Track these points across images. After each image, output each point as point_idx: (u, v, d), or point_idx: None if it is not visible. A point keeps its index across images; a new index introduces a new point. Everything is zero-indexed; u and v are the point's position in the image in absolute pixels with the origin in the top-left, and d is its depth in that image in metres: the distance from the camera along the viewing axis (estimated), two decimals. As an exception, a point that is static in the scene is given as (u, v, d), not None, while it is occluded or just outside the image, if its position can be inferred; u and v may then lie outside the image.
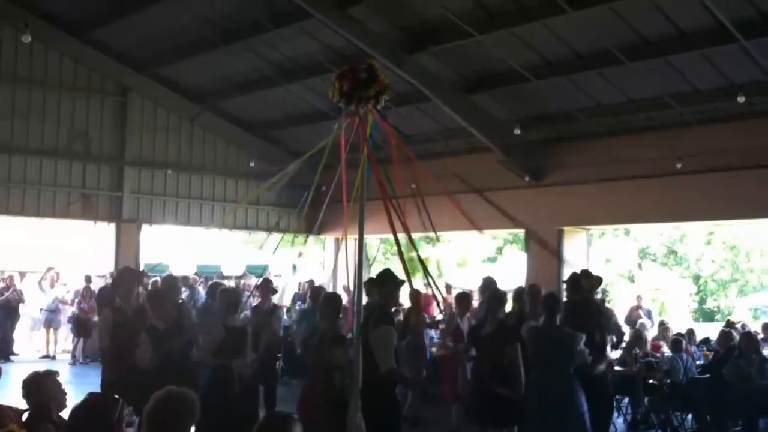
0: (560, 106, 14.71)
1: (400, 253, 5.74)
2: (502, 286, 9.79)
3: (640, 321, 14.26)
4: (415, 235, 7.01)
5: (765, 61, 11.83)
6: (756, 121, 13.24)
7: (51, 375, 5.00)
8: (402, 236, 5.73)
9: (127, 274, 8.20)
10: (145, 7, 14.91)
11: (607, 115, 14.50)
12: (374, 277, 7.10)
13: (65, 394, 4.98)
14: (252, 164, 19.42)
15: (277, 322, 9.89)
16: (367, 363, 6.00)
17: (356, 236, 6.13)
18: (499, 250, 32.86)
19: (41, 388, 4.84)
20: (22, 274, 19.69)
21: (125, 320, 7.43)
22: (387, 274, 6.82)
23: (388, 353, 6.26)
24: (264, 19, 14.34)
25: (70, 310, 17.29)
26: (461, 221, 6.87)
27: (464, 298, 11.17)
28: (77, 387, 7.96)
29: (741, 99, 12.26)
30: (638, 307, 17.25)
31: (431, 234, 6.88)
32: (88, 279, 17.43)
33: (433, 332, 13.37)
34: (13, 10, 15.97)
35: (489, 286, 10.00)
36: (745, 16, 10.97)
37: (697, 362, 11.78)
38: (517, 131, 14.96)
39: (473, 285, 18.24)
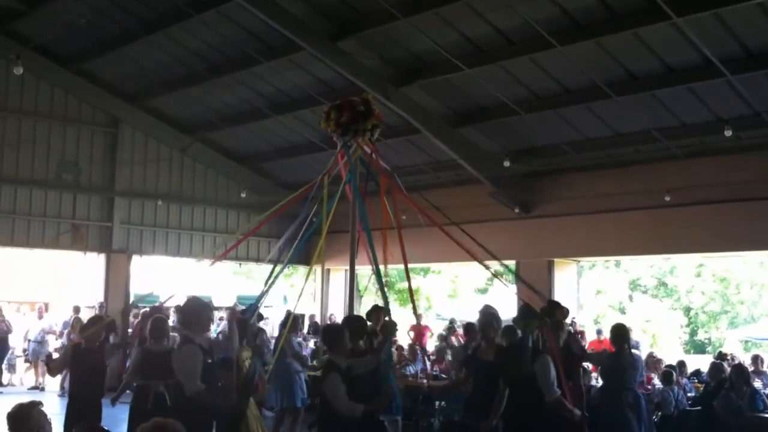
0: (549, 139, 14.82)
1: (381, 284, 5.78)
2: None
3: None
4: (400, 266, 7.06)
5: (751, 96, 11.98)
6: (742, 155, 13.39)
7: (36, 406, 4.94)
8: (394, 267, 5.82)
9: (153, 315, 7.80)
10: (136, 39, 15.03)
11: (595, 149, 14.61)
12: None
13: (51, 424, 4.94)
14: (243, 195, 19.44)
15: None
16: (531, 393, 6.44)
17: (346, 267, 6.16)
18: (490, 281, 32.85)
19: (27, 419, 4.79)
20: (11, 304, 19.52)
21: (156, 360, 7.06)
22: (527, 309, 6.93)
23: (549, 382, 6.43)
24: (254, 52, 14.45)
25: (59, 341, 17.09)
26: (451, 252, 6.88)
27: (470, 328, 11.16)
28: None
29: (728, 133, 12.39)
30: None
31: (420, 265, 6.97)
32: (77, 310, 17.28)
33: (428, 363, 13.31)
34: (6, 42, 16.05)
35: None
36: (731, 52, 11.12)
37: (688, 395, 11.74)
38: (507, 164, 15.03)
39: (465, 316, 18.21)
